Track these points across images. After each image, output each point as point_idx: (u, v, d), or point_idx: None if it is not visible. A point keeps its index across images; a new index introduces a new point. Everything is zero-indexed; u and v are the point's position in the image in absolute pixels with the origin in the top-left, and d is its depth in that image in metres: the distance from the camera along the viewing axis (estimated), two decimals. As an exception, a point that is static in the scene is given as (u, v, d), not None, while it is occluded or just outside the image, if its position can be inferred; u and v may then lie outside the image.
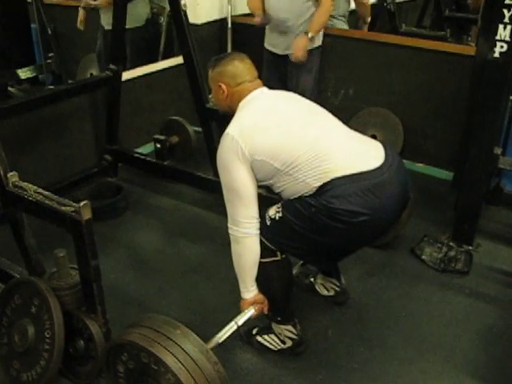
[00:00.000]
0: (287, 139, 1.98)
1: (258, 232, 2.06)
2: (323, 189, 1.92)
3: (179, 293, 2.73)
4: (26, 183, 2.11)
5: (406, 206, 2.16)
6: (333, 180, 1.91)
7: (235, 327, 2.08)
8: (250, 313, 2.14)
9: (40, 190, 2.05)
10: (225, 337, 2.04)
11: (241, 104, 2.12)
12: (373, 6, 4.95)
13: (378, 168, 1.98)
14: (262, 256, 2.12)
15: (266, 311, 2.21)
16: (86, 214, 1.87)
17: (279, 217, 2.04)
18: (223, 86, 2.13)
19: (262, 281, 2.19)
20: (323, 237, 1.99)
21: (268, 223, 2.08)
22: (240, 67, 2.14)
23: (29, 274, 2.30)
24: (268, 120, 2.04)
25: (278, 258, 2.14)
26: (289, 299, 2.28)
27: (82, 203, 1.85)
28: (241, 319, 2.11)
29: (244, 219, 2.03)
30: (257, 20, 3.55)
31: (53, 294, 2.00)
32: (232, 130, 2.02)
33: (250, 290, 2.15)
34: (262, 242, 2.10)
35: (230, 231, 2.07)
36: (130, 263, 2.95)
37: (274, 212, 2.07)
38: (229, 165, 2.00)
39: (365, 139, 2.15)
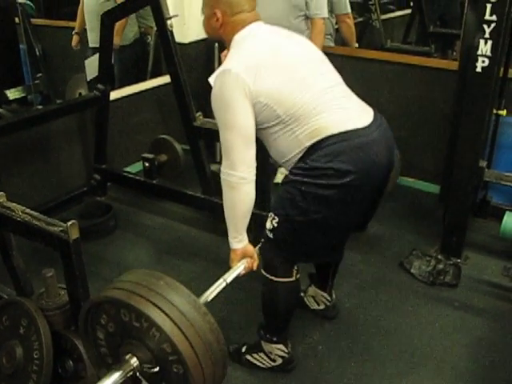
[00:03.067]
0: (295, 86, 1.90)
1: (255, 178, 1.95)
2: (312, 149, 1.89)
3: (169, 311, 2.72)
4: (13, 204, 2.11)
5: (392, 169, 2.08)
6: (323, 139, 1.87)
7: (224, 284, 1.96)
8: (239, 269, 2.03)
9: (28, 211, 2.05)
10: (213, 294, 1.92)
11: (238, 37, 1.97)
12: (359, 23, 5.01)
13: (368, 126, 1.94)
14: (277, 274, 2.10)
15: (255, 267, 2.09)
16: (74, 234, 1.87)
17: (276, 223, 2.00)
18: (218, 14, 1.95)
19: (269, 300, 2.19)
20: (321, 213, 1.92)
21: (271, 236, 2.03)
22: None
23: (17, 295, 2.29)
24: (275, 61, 1.92)
25: (293, 278, 2.13)
26: (289, 321, 2.28)
27: (69, 223, 1.86)
28: (229, 276, 1.99)
29: (243, 162, 1.91)
30: (224, 54, 3.63)
31: (41, 314, 2.00)
32: (235, 66, 1.86)
33: (240, 240, 2.04)
34: (276, 260, 2.07)
35: (224, 176, 1.94)
36: (120, 282, 2.94)
37: (269, 224, 2.03)
38: (233, 102, 1.86)
39: (358, 99, 2.10)
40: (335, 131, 1.88)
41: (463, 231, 3.02)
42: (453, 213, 3.01)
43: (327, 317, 2.63)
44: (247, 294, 2.72)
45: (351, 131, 1.89)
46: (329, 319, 2.63)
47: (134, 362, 1.63)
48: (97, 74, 3.55)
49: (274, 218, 2.01)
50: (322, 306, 2.63)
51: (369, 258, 3.11)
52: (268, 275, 2.14)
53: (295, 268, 2.15)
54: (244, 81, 1.83)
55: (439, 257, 3.01)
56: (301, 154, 1.93)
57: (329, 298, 2.62)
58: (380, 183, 2.03)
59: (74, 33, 4.55)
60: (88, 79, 4.10)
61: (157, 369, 1.62)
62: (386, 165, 2.00)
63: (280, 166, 2.97)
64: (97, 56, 3.68)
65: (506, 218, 2.81)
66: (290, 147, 1.95)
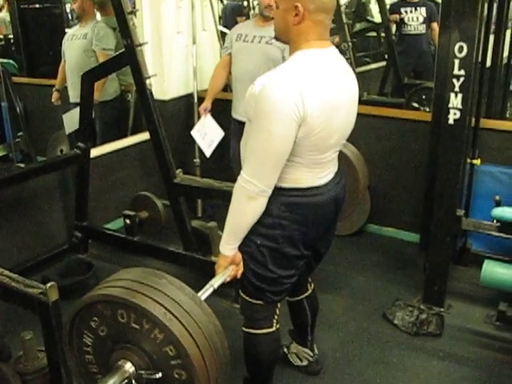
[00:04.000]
0: (320, 147, 1.87)
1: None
2: (281, 191, 1.90)
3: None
4: (-9, 266, 2.09)
5: (336, 223, 2.16)
6: (292, 189, 1.92)
7: (211, 290, 1.89)
8: (225, 276, 1.97)
9: (6, 273, 2.03)
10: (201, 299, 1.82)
11: (308, 52, 1.83)
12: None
13: (327, 183, 2.00)
14: (256, 326, 2.12)
15: (239, 275, 2.02)
16: (53, 296, 1.86)
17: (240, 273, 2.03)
18: (300, 8, 1.78)
19: (251, 354, 2.18)
20: (276, 263, 1.99)
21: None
22: None
23: (-6, 359, 2.25)
24: (328, 117, 1.82)
25: (273, 329, 2.14)
26: (272, 375, 2.27)
27: (48, 284, 1.84)
28: (216, 282, 1.93)
29: (269, 177, 1.83)
30: (203, 107, 3.71)
31: (18, 379, 1.97)
32: (304, 90, 1.73)
33: (234, 248, 1.97)
34: (254, 312, 2.10)
35: (244, 184, 1.83)
36: (101, 342, 2.89)
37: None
38: (284, 117, 1.73)
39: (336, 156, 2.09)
40: (302, 185, 1.93)
41: (444, 280, 3.04)
42: (433, 262, 3.03)
43: (311, 373, 2.60)
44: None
45: (313, 188, 1.95)
46: (313, 375, 2.60)
47: (129, 367, 1.53)
48: (75, 127, 3.59)
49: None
50: (305, 362, 2.61)
51: (352, 310, 3.10)
52: (248, 329, 2.16)
53: (275, 318, 2.15)
54: (306, 112, 1.74)
55: (422, 307, 3.01)
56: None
57: (311, 354, 2.59)
58: (324, 234, 2.11)
59: (54, 89, 4.63)
60: (67, 133, 4.16)
61: (159, 375, 1.51)
62: (332, 220, 2.09)
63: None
64: (74, 110, 3.74)
65: (485, 266, 2.83)
66: None
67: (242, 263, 2.01)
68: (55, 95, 4.63)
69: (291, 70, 1.79)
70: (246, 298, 2.11)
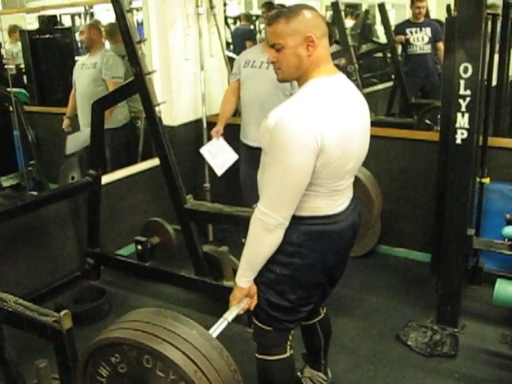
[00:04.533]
0: (337, 175, 1.88)
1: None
2: (299, 220, 1.90)
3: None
4: (6, 294, 2.12)
5: (352, 247, 2.17)
6: (311, 217, 1.92)
7: (226, 323, 1.90)
8: (238, 309, 1.97)
9: (20, 301, 2.06)
10: (216, 334, 1.84)
11: (319, 81, 1.84)
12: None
13: (345, 211, 2.00)
14: (269, 352, 2.11)
15: (252, 308, 2.03)
16: (67, 324, 1.87)
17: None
18: (313, 36, 1.79)
19: (265, 380, 2.17)
20: (295, 293, 1.99)
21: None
22: (319, 21, 1.84)
23: (9, 388, 2.26)
24: (345, 146, 1.83)
25: (287, 354, 2.13)
26: None
27: (62, 313, 1.86)
28: (230, 315, 1.94)
29: (287, 209, 1.83)
30: (215, 131, 3.73)
31: (33, 408, 1.97)
32: (321, 122, 1.74)
33: (250, 280, 1.96)
34: (267, 339, 2.10)
35: (261, 216, 1.82)
36: (115, 368, 2.89)
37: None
38: (302, 150, 1.73)
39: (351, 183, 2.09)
40: (321, 213, 1.94)
41: (457, 300, 3.02)
42: (445, 282, 3.02)
43: (325, 396, 2.59)
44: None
45: (332, 216, 1.96)
46: (327, 398, 2.59)
47: None
48: (76, 149, 3.63)
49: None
50: (319, 386, 2.60)
51: (365, 332, 3.09)
52: (262, 356, 2.15)
53: (288, 344, 2.15)
54: (324, 144, 1.74)
55: (435, 327, 2.99)
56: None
57: (325, 378, 2.58)
58: (341, 260, 2.13)
59: (65, 117, 4.73)
60: (66, 153, 4.28)
61: None
62: (349, 246, 2.11)
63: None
64: (78, 133, 3.82)
65: (497, 285, 2.81)
66: None
67: (255, 296, 2.02)
68: (66, 122, 4.72)
69: (306, 102, 1.80)
70: (260, 325, 2.10)
